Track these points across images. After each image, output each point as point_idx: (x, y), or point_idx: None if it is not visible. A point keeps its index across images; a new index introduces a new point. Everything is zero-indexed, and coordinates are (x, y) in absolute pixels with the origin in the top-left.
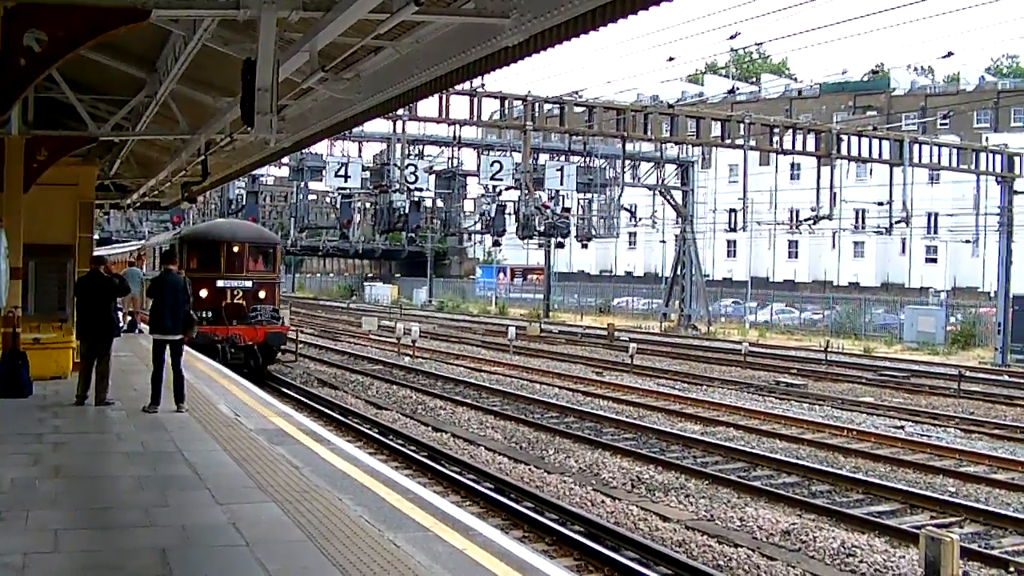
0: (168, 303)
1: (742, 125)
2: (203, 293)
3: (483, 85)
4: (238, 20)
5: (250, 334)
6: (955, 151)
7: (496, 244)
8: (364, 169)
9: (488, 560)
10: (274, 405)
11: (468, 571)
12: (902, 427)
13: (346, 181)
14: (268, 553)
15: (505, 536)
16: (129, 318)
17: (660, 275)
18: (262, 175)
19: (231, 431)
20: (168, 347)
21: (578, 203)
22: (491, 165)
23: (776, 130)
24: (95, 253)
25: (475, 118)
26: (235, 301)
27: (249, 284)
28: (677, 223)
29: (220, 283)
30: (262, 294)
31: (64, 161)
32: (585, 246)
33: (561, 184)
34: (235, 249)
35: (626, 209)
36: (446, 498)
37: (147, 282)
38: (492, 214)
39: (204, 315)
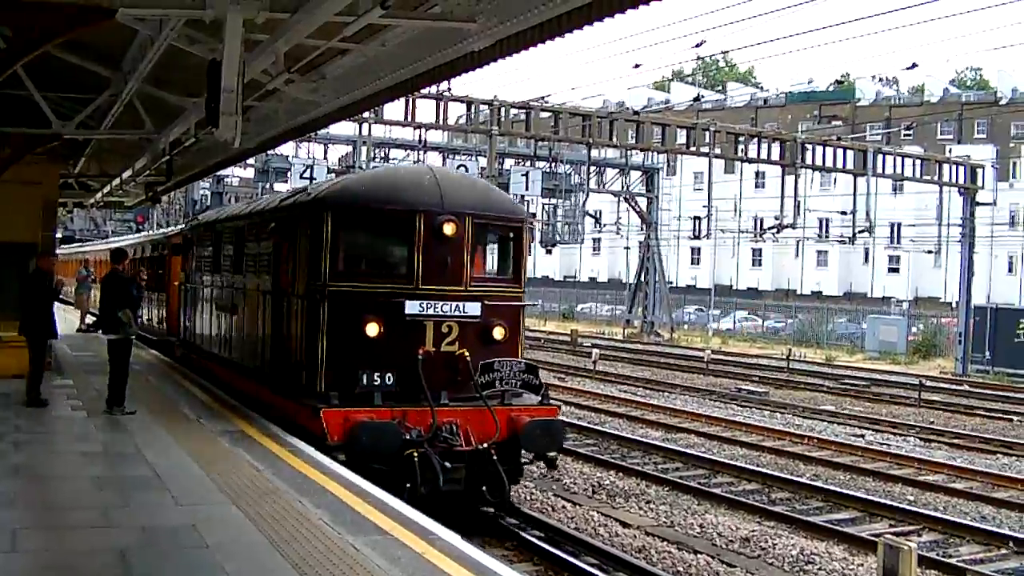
0: (110, 303)
1: (707, 133)
2: (371, 330)
3: (449, 89)
4: (204, 20)
5: (482, 425)
6: (919, 162)
7: None
8: (330, 171)
9: (447, 564)
10: (237, 408)
11: (427, 575)
12: (862, 436)
13: (311, 183)
14: (228, 555)
15: (464, 541)
16: (94, 318)
17: (624, 281)
18: (227, 176)
19: (193, 432)
20: (119, 346)
21: (543, 208)
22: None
23: (741, 138)
24: (74, 250)
25: (441, 122)
26: (446, 348)
27: (476, 310)
28: (642, 230)
29: (411, 307)
30: (499, 332)
31: (28, 159)
32: (549, 251)
33: (526, 189)
34: (445, 230)
35: (591, 215)
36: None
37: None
38: None
39: (380, 380)
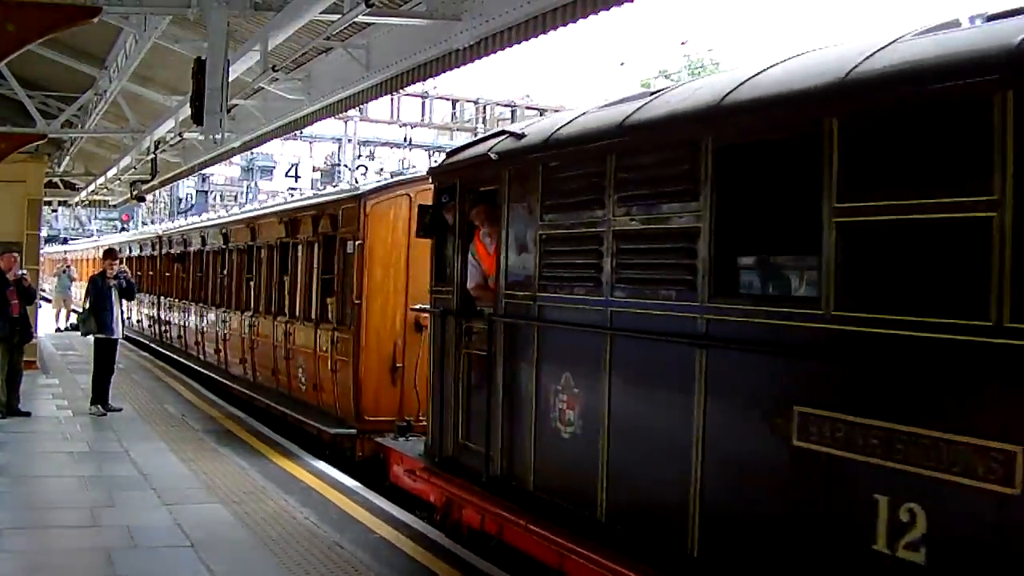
0: (97, 303)
1: None
2: None
3: (435, 88)
4: (189, 18)
5: None
6: None
7: None
8: (315, 170)
9: (434, 563)
10: (222, 407)
11: (414, 574)
12: None
13: (296, 181)
14: (213, 555)
15: (452, 540)
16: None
17: None
18: (212, 174)
19: (178, 432)
20: (98, 346)
21: None
22: None
23: None
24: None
25: (426, 121)
26: None
27: None
28: None
29: None
30: None
31: (13, 158)
32: None
33: None
34: None
35: None
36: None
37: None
38: None
39: None
